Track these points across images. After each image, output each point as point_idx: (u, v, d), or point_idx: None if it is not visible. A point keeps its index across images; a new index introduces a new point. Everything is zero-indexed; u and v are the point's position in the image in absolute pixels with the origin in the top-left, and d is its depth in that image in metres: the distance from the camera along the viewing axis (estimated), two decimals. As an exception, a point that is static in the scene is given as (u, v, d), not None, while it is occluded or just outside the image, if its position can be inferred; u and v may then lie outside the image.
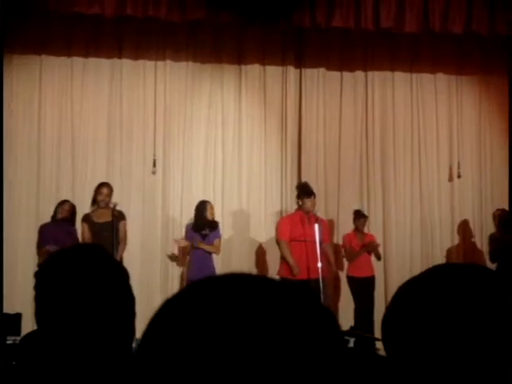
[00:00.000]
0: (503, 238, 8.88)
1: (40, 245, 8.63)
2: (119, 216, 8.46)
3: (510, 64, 9.70)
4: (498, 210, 9.43)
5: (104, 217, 8.32)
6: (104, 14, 8.31)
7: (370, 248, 9.06)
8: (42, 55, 9.58)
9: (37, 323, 1.66)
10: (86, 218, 8.50)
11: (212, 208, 8.88)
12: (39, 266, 1.75)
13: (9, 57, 9.46)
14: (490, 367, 1.14)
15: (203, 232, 8.66)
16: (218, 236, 8.84)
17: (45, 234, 8.60)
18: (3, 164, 8.58)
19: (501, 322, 1.15)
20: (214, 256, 8.91)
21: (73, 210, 8.70)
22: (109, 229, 8.19)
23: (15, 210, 9.25)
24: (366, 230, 9.37)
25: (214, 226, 8.79)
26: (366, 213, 9.48)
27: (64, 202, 8.78)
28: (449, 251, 10.02)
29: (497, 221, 9.28)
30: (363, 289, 8.90)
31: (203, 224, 8.71)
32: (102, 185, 8.59)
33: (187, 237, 8.82)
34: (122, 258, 8.34)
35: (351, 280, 8.99)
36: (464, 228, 10.05)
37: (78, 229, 8.65)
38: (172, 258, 9.46)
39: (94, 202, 8.52)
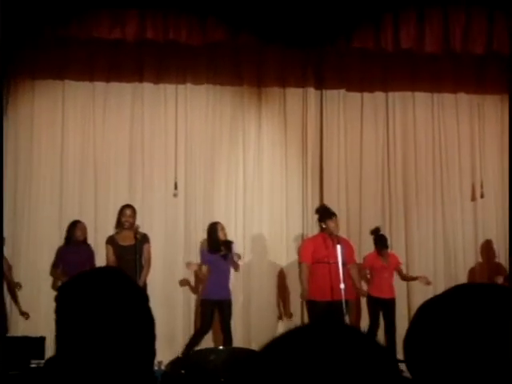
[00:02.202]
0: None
1: (54, 266, 8.78)
2: (143, 239, 8.50)
3: (509, 83, 9.55)
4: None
5: (128, 240, 8.37)
6: (125, 38, 8.39)
7: (422, 282, 9.17)
8: (65, 80, 9.67)
9: (57, 346, 1.67)
10: (111, 241, 8.54)
11: (223, 228, 8.86)
12: (59, 289, 1.75)
13: (31, 82, 9.58)
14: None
15: (221, 253, 8.63)
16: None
17: (62, 257, 8.74)
18: (2, 173, 8.66)
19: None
20: (236, 278, 8.91)
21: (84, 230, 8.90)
22: (133, 252, 8.23)
23: (38, 233, 9.32)
24: (389, 248, 9.30)
25: (228, 245, 8.74)
26: (386, 234, 9.42)
27: (78, 221, 8.87)
28: (472, 271, 9.93)
29: None
30: (383, 310, 8.84)
31: (219, 245, 8.69)
32: (125, 206, 8.68)
33: (204, 260, 8.80)
34: (146, 282, 8.35)
35: (370, 299, 8.92)
36: (487, 248, 9.95)
37: (94, 250, 8.84)
38: (182, 282, 9.45)
39: (119, 224, 8.59)
